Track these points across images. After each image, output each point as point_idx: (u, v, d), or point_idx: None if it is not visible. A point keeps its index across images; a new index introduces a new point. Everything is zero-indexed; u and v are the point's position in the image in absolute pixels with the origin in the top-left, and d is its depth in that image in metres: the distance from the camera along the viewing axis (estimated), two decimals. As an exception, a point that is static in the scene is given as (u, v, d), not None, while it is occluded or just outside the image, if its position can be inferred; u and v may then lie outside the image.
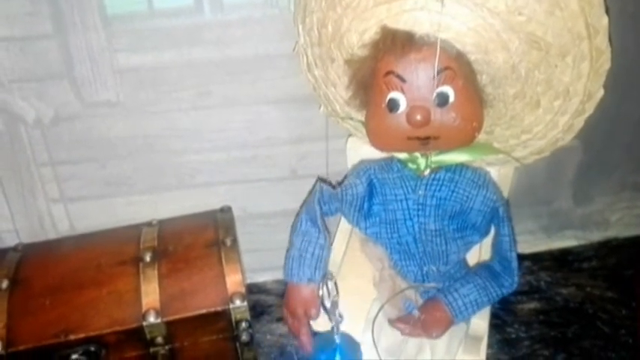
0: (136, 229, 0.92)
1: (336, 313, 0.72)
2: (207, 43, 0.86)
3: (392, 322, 0.73)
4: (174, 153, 0.95)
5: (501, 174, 0.78)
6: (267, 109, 0.92)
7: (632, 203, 1.12)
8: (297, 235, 0.76)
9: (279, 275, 1.06)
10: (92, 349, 0.80)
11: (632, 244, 1.12)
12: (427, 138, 0.66)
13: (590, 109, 0.68)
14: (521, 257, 1.07)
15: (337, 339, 0.71)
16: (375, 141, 0.70)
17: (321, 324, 0.75)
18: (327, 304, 0.72)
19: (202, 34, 0.85)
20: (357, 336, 0.74)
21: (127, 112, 0.90)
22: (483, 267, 0.76)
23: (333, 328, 0.72)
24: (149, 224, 0.93)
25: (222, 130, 0.93)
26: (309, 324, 0.74)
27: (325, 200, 0.78)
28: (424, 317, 0.72)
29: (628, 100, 1.00)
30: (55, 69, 0.86)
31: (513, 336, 0.99)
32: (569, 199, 1.10)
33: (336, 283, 0.73)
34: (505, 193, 0.78)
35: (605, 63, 0.65)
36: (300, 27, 0.72)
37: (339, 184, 0.80)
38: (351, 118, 0.77)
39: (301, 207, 0.80)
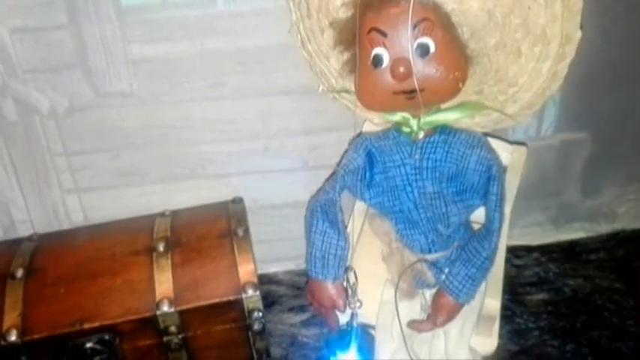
0: (150, 219, 0.92)
1: (355, 299, 0.75)
2: (220, 34, 0.86)
3: (410, 325, 0.75)
4: (187, 143, 0.95)
5: (514, 157, 0.80)
6: (280, 100, 0.92)
7: (639, 195, 1.13)
8: (315, 234, 0.77)
9: (290, 266, 1.08)
10: (106, 337, 0.81)
11: (640, 236, 1.13)
12: (412, 91, 0.67)
13: (570, 53, 0.69)
14: (530, 249, 1.11)
15: (355, 323, 0.75)
16: (364, 99, 0.71)
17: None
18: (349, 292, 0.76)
19: (215, 25, 0.85)
20: (371, 319, 0.76)
21: (140, 103, 0.90)
22: (471, 237, 0.78)
23: (352, 314, 0.75)
24: (162, 215, 0.93)
25: (234, 121, 0.94)
26: (334, 312, 0.78)
27: (338, 190, 0.79)
28: (431, 310, 0.74)
29: (636, 92, 1.01)
30: (69, 60, 0.86)
31: (522, 327, 0.99)
32: (577, 191, 1.11)
33: (355, 273, 0.76)
34: (518, 178, 0.80)
35: (578, 1, 0.66)
36: (291, 3, 0.74)
37: (338, 164, 0.81)
38: (347, 91, 0.77)
39: (312, 198, 0.81)
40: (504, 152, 0.79)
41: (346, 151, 0.81)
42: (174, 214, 0.94)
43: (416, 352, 0.72)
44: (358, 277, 0.76)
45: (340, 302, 0.76)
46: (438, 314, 0.73)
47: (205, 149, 0.96)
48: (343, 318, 0.78)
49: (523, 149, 0.81)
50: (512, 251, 1.08)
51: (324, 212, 0.77)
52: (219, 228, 0.90)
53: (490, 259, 0.75)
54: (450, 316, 0.74)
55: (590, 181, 1.10)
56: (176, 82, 0.89)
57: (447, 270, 0.76)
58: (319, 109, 0.92)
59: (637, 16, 0.92)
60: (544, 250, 1.11)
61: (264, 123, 0.94)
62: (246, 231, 0.89)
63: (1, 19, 0.82)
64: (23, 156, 0.93)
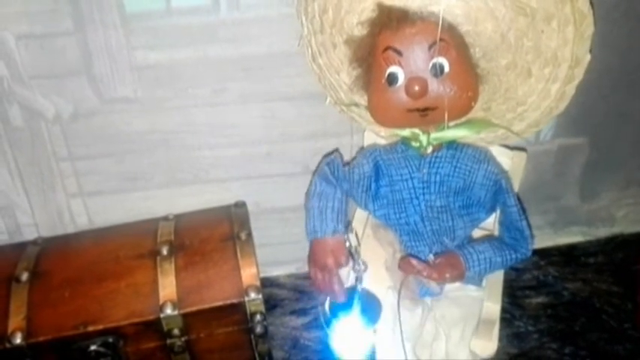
0: (153, 223, 0.93)
1: (359, 262, 0.73)
2: (223, 40, 0.87)
3: (403, 260, 0.75)
4: (190, 148, 0.96)
5: (514, 162, 0.81)
6: (282, 106, 0.93)
7: (637, 200, 1.13)
8: (313, 197, 0.79)
9: (292, 269, 1.09)
10: (110, 340, 0.81)
11: (638, 240, 1.14)
12: (426, 109, 0.68)
13: (579, 75, 0.71)
14: (529, 252, 1.11)
15: (359, 288, 0.73)
16: (378, 116, 0.72)
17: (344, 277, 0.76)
18: (352, 252, 0.74)
19: (219, 32, 0.86)
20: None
21: (144, 109, 0.91)
22: (503, 237, 0.79)
23: (356, 278, 0.73)
24: (166, 218, 0.94)
25: (237, 126, 0.95)
26: (339, 274, 0.76)
27: (334, 167, 0.81)
28: (438, 261, 0.74)
29: (634, 98, 1.02)
30: (74, 66, 0.87)
31: (522, 330, 1.00)
32: (575, 195, 1.11)
33: (356, 234, 0.76)
34: (518, 182, 0.81)
35: (589, 27, 0.67)
36: (304, 17, 0.75)
37: (347, 164, 0.82)
38: (356, 105, 0.78)
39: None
40: (504, 157, 0.81)
41: (353, 159, 0.82)
42: (178, 217, 0.95)
43: (417, 355, 0.73)
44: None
45: (342, 256, 0.75)
46: (447, 270, 0.74)
47: (208, 154, 0.97)
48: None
49: (523, 154, 0.82)
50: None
51: (320, 177, 0.79)
52: (222, 232, 0.90)
53: (517, 261, 0.77)
54: (456, 278, 0.74)
55: (588, 186, 1.10)
56: (180, 88, 0.90)
57: (471, 243, 0.77)
58: (321, 114, 0.93)
59: (635, 22, 0.93)
60: (543, 253, 1.12)
61: (267, 128, 0.95)
62: (249, 235, 0.89)
63: (7, 25, 0.83)
64: (28, 160, 0.94)
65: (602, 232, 1.15)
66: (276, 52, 0.88)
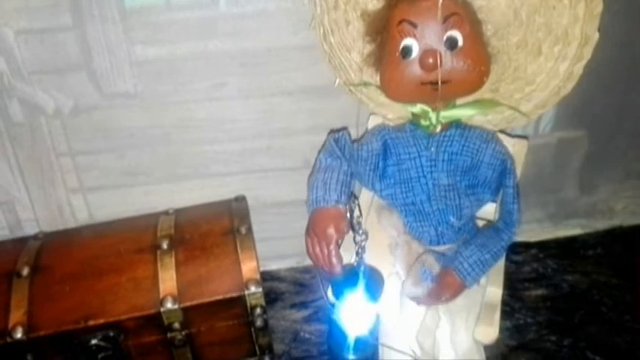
0: (154, 217, 0.93)
1: (361, 232, 0.71)
2: (222, 35, 0.87)
3: (411, 297, 0.75)
4: (190, 143, 0.96)
5: (516, 150, 0.81)
6: (281, 100, 0.93)
7: (636, 192, 1.14)
8: (318, 172, 0.78)
9: (292, 263, 1.09)
10: (111, 334, 0.82)
11: (637, 232, 1.14)
12: (438, 83, 0.69)
13: (588, 54, 0.71)
14: (528, 245, 1.11)
15: (362, 258, 0.71)
16: (390, 90, 0.73)
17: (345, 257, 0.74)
18: (354, 222, 0.72)
19: (218, 27, 0.86)
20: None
21: (144, 103, 0.91)
22: (488, 226, 0.80)
23: (357, 252, 0.71)
24: (166, 213, 0.94)
25: (236, 121, 0.95)
26: (337, 246, 0.73)
27: (342, 142, 0.81)
28: (434, 286, 0.75)
29: (633, 90, 1.02)
30: (74, 61, 0.87)
31: (521, 322, 1.00)
32: (575, 188, 1.12)
33: (359, 204, 0.73)
34: (518, 170, 0.81)
35: (599, 5, 0.69)
36: None
37: (355, 141, 0.82)
38: (365, 84, 0.79)
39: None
40: (506, 145, 0.80)
41: (361, 137, 0.83)
42: (178, 212, 0.95)
43: (420, 342, 0.73)
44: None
45: (342, 224, 0.73)
46: (444, 292, 0.74)
47: (208, 149, 0.97)
48: (347, 257, 0.74)
49: (524, 142, 0.82)
50: (511, 247, 1.05)
51: (325, 152, 0.80)
52: (223, 226, 0.91)
53: (505, 248, 0.77)
54: (454, 296, 0.75)
55: (587, 178, 1.11)
56: (179, 82, 0.90)
57: (458, 251, 0.76)
58: (320, 108, 0.93)
59: (635, 14, 0.93)
60: (542, 246, 1.12)
61: (267, 122, 0.95)
62: (249, 229, 0.90)
63: (7, 20, 0.83)
64: (29, 156, 0.94)
65: (601, 224, 1.15)
66: (275, 47, 0.88)
